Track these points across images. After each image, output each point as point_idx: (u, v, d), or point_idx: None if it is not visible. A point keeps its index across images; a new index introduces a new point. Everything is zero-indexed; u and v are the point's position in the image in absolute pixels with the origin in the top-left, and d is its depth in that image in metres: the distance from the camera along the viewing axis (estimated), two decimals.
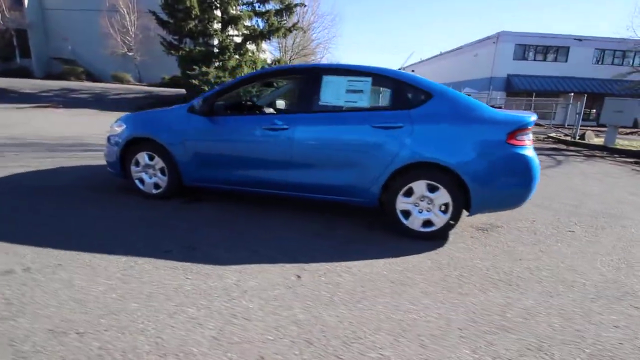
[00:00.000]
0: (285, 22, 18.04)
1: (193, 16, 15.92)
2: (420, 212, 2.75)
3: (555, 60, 25.08)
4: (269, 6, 18.27)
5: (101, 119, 11.49)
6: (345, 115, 2.80)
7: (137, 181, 3.41)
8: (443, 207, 2.69)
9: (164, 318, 1.69)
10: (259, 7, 18.40)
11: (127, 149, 3.34)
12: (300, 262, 2.33)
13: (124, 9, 23.78)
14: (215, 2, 16.97)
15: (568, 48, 24.70)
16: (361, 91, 2.81)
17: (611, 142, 9.95)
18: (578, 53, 24.50)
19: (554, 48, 24.97)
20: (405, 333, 1.68)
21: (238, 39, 17.81)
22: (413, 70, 37.15)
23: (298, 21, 20.46)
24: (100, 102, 17.08)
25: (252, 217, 3.08)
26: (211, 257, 2.33)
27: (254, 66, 18.24)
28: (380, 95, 2.96)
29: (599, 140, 10.92)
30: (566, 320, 1.87)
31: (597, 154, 9.14)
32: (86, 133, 7.79)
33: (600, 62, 24.74)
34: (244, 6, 18.28)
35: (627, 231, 3.29)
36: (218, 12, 17.50)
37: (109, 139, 3.57)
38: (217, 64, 17.79)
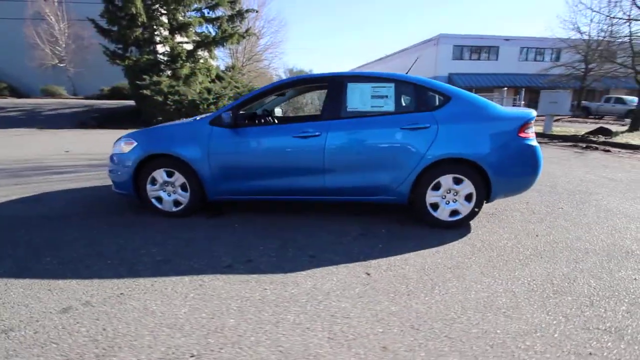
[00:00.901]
0: (238, 28, 17.77)
1: (140, 23, 15.03)
2: (447, 204, 3.01)
3: (488, 58, 27.78)
4: (219, 12, 17.92)
5: (45, 138, 10.41)
6: (374, 120, 2.97)
7: (154, 200, 3.25)
8: (467, 197, 2.97)
9: (271, 328, 1.71)
10: (208, 13, 17.95)
11: (141, 167, 3.17)
12: (359, 261, 2.44)
13: (52, 17, 21.64)
14: (162, 9, 16.20)
15: (498, 47, 27.52)
16: (386, 96, 3.00)
17: (549, 129, 11.34)
18: (506, 51, 27.41)
19: (486, 48, 27.65)
20: (487, 309, 1.89)
21: (189, 46, 17.15)
22: None
23: (250, 27, 20.29)
24: (34, 120, 15.40)
25: (289, 225, 3.11)
26: (273, 266, 2.35)
27: (207, 74, 17.76)
28: (401, 100, 3.15)
29: (537, 129, 12.37)
30: (599, 280, 2.22)
31: (540, 141, 10.37)
32: (41, 154, 7.05)
33: (525, 59, 27.92)
34: (193, 12, 17.68)
35: (601, 203, 3.88)
36: (165, 19, 16.71)
37: (112, 158, 3.36)
38: (168, 72, 17.01)
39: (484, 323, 1.77)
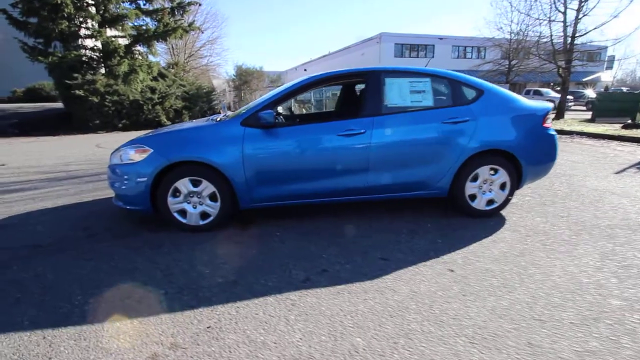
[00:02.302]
0: (181, 21, 16.53)
1: (65, 15, 13.17)
2: (484, 194, 3.12)
3: (425, 56, 29.75)
4: (157, 5, 16.47)
5: None
6: (416, 115, 2.94)
7: (176, 214, 2.84)
8: (501, 186, 3.11)
9: (406, 341, 1.59)
10: (144, 4, 16.42)
11: (159, 177, 2.76)
12: (431, 258, 2.41)
13: None
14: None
15: (434, 45, 29.61)
16: (423, 91, 3.00)
17: None
18: (441, 49, 29.62)
19: (423, 46, 29.57)
20: (581, 290, 1.98)
21: (125, 41, 15.51)
22: (305, 70, 37.68)
23: (194, 21, 19.04)
24: None
25: (333, 228, 2.95)
26: (353, 274, 2.20)
27: (149, 71, 16.29)
28: (437, 94, 3.16)
29: None
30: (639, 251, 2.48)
31: None
32: None
33: (457, 57, 30.46)
34: (127, 4, 16.00)
35: (586, 183, 4.36)
36: (94, 10, 14.87)
37: (115, 170, 2.87)
38: (103, 70, 15.23)
39: (589, 305, 1.85)
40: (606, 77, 36.12)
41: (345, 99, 4.10)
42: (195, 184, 2.80)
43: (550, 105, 3.25)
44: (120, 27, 15.69)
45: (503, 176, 3.07)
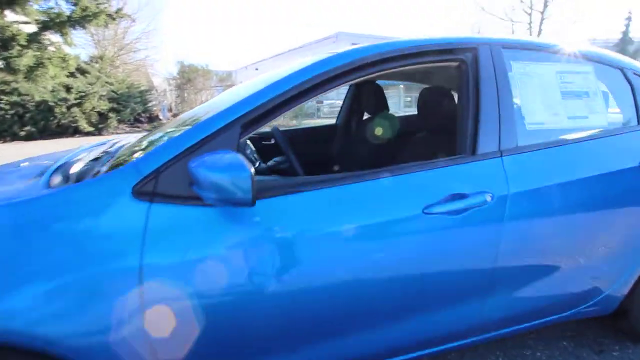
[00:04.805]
0: (105, 6, 13.54)
1: None
2: None
3: None
4: None
5: None
6: (587, 148, 1.28)
7: None
8: None
9: None
10: None
11: None
12: None
13: None
14: None
15: None
16: (586, 93, 1.34)
17: None
18: None
19: None
20: None
21: (31, 28, 12.29)
22: (257, 69, 35.85)
23: (122, 7, 15.96)
24: None
25: None
26: None
27: (63, 65, 13.12)
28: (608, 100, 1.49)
29: None
30: None
31: None
32: None
33: None
34: None
35: None
36: None
37: None
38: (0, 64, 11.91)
39: None
40: None
41: (356, 106, 2.30)
42: None
43: None
44: (22, 10, 12.42)
45: None
